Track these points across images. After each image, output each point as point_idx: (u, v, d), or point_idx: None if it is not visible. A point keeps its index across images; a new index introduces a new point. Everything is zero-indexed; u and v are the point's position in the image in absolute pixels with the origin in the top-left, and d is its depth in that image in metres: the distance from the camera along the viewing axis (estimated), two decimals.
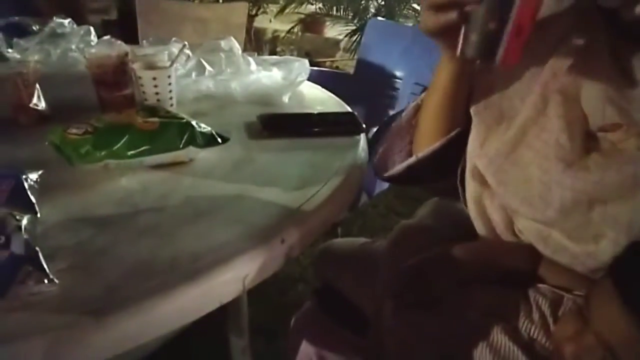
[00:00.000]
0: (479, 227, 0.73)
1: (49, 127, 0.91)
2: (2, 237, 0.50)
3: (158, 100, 0.97)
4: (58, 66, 1.27)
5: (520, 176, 0.63)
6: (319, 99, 1.15)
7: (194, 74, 1.13)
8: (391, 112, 1.70)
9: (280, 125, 0.94)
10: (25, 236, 0.52)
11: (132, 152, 0.73)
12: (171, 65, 0.98)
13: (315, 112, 1.03)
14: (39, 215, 0.58)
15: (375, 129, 1.41)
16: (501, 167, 0.65)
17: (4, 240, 0.50)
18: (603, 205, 0.56)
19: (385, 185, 1.57)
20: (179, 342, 1.22)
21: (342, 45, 4.47)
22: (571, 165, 0.57)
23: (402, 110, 0.86)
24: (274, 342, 1.43)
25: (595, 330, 0.52)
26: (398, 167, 0.81)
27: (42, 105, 0.94)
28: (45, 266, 0.51)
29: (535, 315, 0.60)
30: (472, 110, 0.71)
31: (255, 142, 0.88)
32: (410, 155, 0.80)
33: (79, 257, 0.57)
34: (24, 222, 0.54)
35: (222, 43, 1.18)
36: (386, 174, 0.84)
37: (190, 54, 1.14)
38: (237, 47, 1.17)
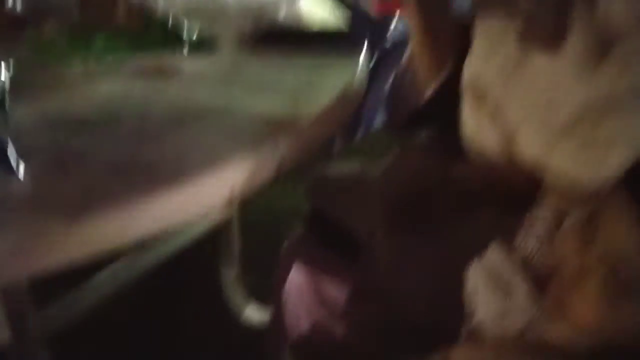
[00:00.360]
0: (474, 154, 0.70)
1: (26, 31, 0.86)
2: None
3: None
4: None
5: (528, 87, 0.58)
6: (319, 17, 1.07)
7: None
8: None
9: (274, 39, 0.88)
10: None
11: (112, 53, 0.67)
12: None
13: (314, 29, 0.97)
14: (7, 108, 0.53)
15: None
16: (508, 79, 0.61)
17: None
18: (614, 114, 0.52)
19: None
20: (170, 275, 1.22)
21: None
22: (584, 70, 0.53)
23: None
24: (267, 276, 1.43)
25: (598, 248, 0.50)
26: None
27: (18, 7, 0.87)
28: (13, 161, 0.47)
29: (534, 235, 0.58)
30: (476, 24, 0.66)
31: (247, 56, 0.82)
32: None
33: (54, 157, 0.53)
34: None
35: None
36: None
37: None
38: None
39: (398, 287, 0.71)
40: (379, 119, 1.53)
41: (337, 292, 0.88)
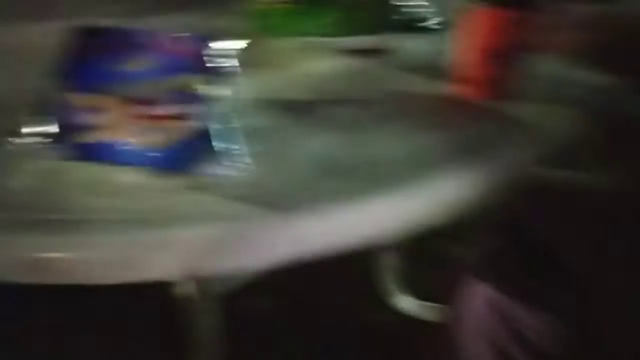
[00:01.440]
0: None
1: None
2: (194, 107, 0.43)
3: None
4: None
5: None
6: None
7: None
8: None
9: None
10: (223, 109, 0.44)
11: (332, 30, 0.61)
12: None
13: None
14: (237, 88, 0.50)
15: None
16: None
17: (198, 110, 0.43)
18: None
19: None
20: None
21: None
22: None
23: None
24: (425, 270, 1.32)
25: None
26: None
27: None
28: (239, 148, 0.43)
29: None
30: None
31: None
32: None
33: (270, 143, 0.49)
34: (223, 92, 0.47)
35: None
36: None
37: None
38: None
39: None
40: None
41: (531, 320, 0.75)
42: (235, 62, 0.52)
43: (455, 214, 0.45)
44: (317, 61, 0.64)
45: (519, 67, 0.52)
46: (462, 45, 0.53)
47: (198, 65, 0.48)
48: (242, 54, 0.53)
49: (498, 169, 0.49)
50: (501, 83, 0.53)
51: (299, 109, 0.55)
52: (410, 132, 0.51)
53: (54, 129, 0.42)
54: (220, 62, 0.51)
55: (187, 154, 0.42)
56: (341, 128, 0.51)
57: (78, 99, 0.43)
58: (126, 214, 0.41)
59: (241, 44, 0.53)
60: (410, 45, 0.65)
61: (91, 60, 0.45)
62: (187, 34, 0.50)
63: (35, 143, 0.43)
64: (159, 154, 0.43)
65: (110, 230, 0.39)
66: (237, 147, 0.44)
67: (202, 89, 0.46)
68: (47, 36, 0.72)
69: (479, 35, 0.51)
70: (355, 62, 0.63)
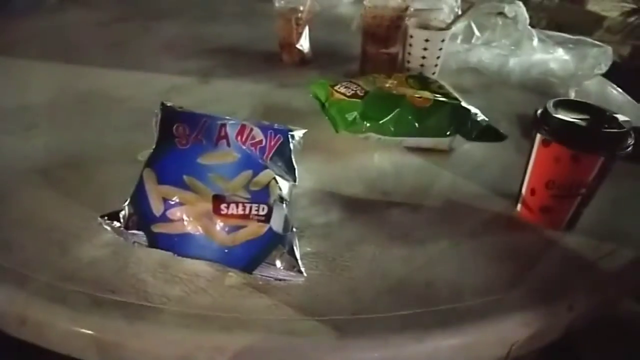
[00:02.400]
0: None
1: (308, 72, 0.89)
2: (265, 207, 0.45)
3: (422, 65, 0.85)
4: (321, 4, 1.24)
5: None
6: (614, 101, 0.89)
7: (459, 39, 0.97)
8: None
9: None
10: (285, 211, 0.46)
11: (397, 128, 0.63)
12: (449, 27, 0.84)
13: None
14: (296, 183, 0.52)
15: None
16: None
17: (267, 211, 0.45)
18: None
19: None
20: None
21: (606, 23, 3.73)
22: None
23: None
24: None
25: None
26: None
27: (306, 47, 0.91)
28: (297, 253, 0.45)
29: None
30: None
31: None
32: None
33: (327, 244, 0.50)
34: (285, 191, 0.49)
35: (507, 7, 0.98)
36: None
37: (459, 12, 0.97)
38: (525, 17, 0.96)
39: None
40: None
41: None
42: (298, 153, 0.54)
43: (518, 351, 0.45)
44: (375, 154, 0.65)
45: (581, 201, 0.52)
46: (530, 173, 0.54)
47: (273, 158, 0.50)
48: (303, 143, 0.54)
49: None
50: (562, 214, 0.53)
51: (356, 206, 0.56)
52: (469, 253, 0.51)
53: (135, 213, 0.44)
54: (290, 154, 0.53)
55: (256, 253, 0.44)
56: (396, 235, 0.52)
57: (161, 189, 0.45)
58: (189, 308, 0.42)
59: (301, 132, 0.54)
60: (470, 147, 0.66)
61: (175, 150, 0.47)
62: (261, 124, 0.52)
63: (112, 225, 0.45)
64: (227, 251, 0.44)
65: (173, 323, 0.41)
66: (302, 250, 0.45)
67: (276, 186, 0.48)
68: (126, 87, 0.77)
69: (545, 166, 0.52)
70: (414, 160, 0.65)
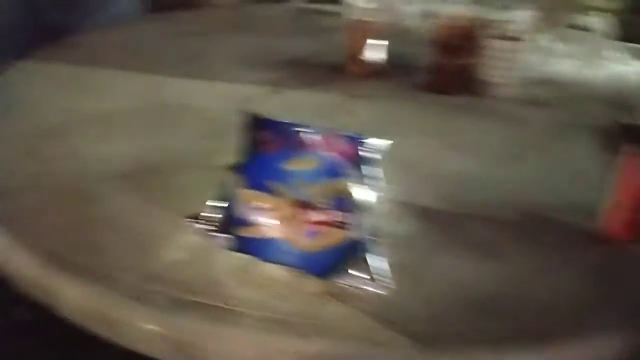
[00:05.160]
0: None
1: (376, 83, 0.88)
2: (346, 214, 0.44)
3: (497, 76, 0.82)
4: (390, 15, 1.23)
5: None
6: None
7: (536, 50, 0.93)
8: None
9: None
10: (366, 219, 0.45)
11: None
12: (526, 38, 0.81)
13: None
14: (378, 192, 0.51)
15: None
16: None
17: (348, 218, 0.44)
18: None
19: None
20: None
21: None
22: None
23: None
24: None
25: None
26: None
27: (374, 58, 0.90)
28: (377, 262, 0.43)
29: None
30: None
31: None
32: None
33: (405, 254, 0.48)
34: (367, 198, 0.47)
35: (585, 19, 0.94)
36: None
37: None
38: (603, 29, 0.92)
39: None
40: None
41: None
42: (377, 162, 0.52)
43: None
44: (453, 167, 0.63)
45: None
46: (617, 186, 0.51)
47: (353, 167, 0.49)
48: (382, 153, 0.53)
49: None
50: None
51: (434, 217, 0.54)
52: (555, 268, 0.48)
53: (221, 216, 0.45)
54: (369, 163, 0.52)
55: (336, 261, 0.43)
56: (476, 247, 0.50)
57: (246, 194, 0.45)
58: (268, 312, 0.42)
59: (380, 142, 0.53)
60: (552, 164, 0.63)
61: (260, 156, 0.48)
62: (341, 133, 0.52)
63: (199, 227, 0.46)
64: (309, 257, 0.44)
65: (253, 327, 0.40)
66: (381, 259, 0.44)
67: (356, 194, 0.47)
68: (202, 97, 0.80)
69: (634, 178, 0.49)
70: (490, 173, 0.62)
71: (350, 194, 0.47)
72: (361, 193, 0.47)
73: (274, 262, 0.44)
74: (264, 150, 0.48)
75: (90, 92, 0.81)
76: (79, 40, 1.03)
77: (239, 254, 0.45)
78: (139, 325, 0.42)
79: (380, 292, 0.43)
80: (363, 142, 0.52)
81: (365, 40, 0.88)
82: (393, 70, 0.91)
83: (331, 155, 0.49)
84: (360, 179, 0.49)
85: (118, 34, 1.05)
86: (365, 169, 0.50)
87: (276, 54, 0.98)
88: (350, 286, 0.43)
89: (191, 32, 1.08)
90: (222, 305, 0.42)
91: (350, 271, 0.43)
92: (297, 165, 0.47)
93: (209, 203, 0.46)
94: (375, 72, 0.90)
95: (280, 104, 0.80)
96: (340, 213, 0.44)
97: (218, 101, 0.78)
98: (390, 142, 0.56)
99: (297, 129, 0.50)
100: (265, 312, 0.42)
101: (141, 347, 0.43)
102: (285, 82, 0.87)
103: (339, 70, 0.91)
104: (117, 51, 0.98)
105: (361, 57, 0.89)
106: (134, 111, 0.75)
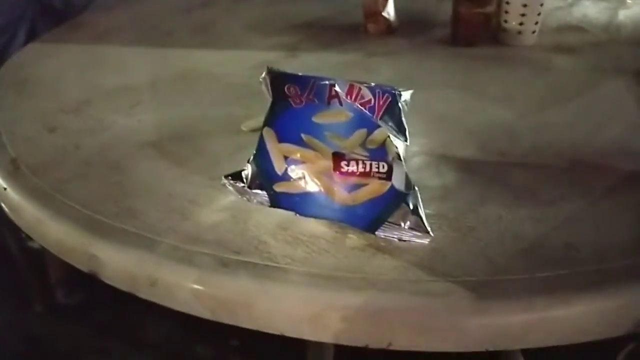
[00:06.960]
0: None
1: (396, 40, 0.86)
2: (385, 164, 0.43)
3: (521, 24, 0.79)
4: None
5: None
6: None
7: None
8: None
9: None
10: (405, 169, 0.44)
11: None
12: None
13: None
14: (408, 143, 0.50)
15: None
16: None
17: (387, 169, 0.43)
18: None
19: None
20: None
21: None
22: None
23: None
24: None
25: None
26: None
27: (392, 15, 0.87)
28: (422, 212, 0.42)
29: None
30: None
31: None
32: None
33: (447, 206, 0.47)
34: (401, 150, 0.46)
35: None
36: None
37: None
38: None
39: None
40: None
41: None
42: (406, 113, 0.51)
43: None
44: (486, 115, 0.61)
45: None
46: None
47: (385, 118, 0.48)
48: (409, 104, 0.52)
49: None
50: None
51: (471, 167, 0.53)
52: (608, 212, 0.46)
53: (258, 173, 0.44)
54: (399, 114, 0.50)
55: (378, 213, 0.42)
56: (522, 195, 0.48)
57: (280, 148, 0.44)
58: (314, 268, 0.41)
59: (408, 93, 0.52)
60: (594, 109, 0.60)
61: (290, 110, 0.46)
62: (369, 84, 0.50)
63: (236, 185, 0.45)
64: (349, 210, 0.43)
65: (301, 283, 0.40)
66: (424, 210, 0.43)
67: (390, 144, 0.45)
68: (219, 65, 0.78)
69: None
70: (528, 120, 0.60)
71: (387, 144, 0.45)
72: (398, 144, 0.46)
73: (314, 217, 0.44)
74: (293, 103, 0.46)
75: (107, 68, 0.80)
76: (86, 19, 1.02)
77: (278, 211, 0.44)
78: (185, 285, 0.42)
79: (428, 244, 0.42)
80: (392, 93, 0.50)
81: None
82: (413, 27, 0.89)
83: (361, 106, 0.48)
84: (391, 130, 0.48)
85: (125, 11, 1.03)
86: (395, 120, 0.49)
87: (291, 19, 0.96)
88: (396, 239, 0.42)
89: (202, 4, 1.06)
90: (268, 263, 0.42)
91: (395, 223, 0.42)
92: (328, 117, 0.46)
93: (242, 163, 0.45)
94: (395, 29, 0.88)
95: (299, 66, 0.78)
96: (379, 163, 0.43)
97: (237, 67, 0.77)
98: (420, 93, 0.55)
99: (322, 81, 0.48)
100: (311, 268, 0.41)
101: (187, 308, 0.43)
102: (302, 45, 0.85)
103: (357, 30, 0.88)
104: (128, 28, 0.96)
105: (380, 14, 0.86)
106: (154, 83, 0.74)
